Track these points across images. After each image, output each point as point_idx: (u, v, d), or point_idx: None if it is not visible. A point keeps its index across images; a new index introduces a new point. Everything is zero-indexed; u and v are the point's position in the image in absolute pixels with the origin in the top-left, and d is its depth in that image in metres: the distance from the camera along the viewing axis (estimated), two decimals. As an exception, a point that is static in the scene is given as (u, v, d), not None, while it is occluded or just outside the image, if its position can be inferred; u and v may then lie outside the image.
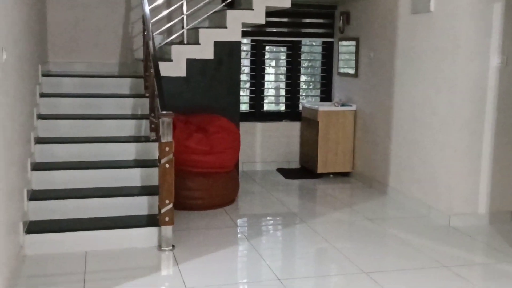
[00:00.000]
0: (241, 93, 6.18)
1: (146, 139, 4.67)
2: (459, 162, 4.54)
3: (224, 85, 5.42)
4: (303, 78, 7.00)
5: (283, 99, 6.96)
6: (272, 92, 6.99)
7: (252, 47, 6.70)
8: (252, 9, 5.38)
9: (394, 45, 5.31)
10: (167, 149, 3.86)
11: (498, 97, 4.51)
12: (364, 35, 5.98)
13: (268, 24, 6.00)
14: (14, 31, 3.43)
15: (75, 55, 6.06)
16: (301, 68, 6.93)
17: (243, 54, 6.32)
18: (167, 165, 3.86)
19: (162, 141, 3.86)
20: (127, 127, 4.80)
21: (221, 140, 4.96)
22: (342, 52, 6.56)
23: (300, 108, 6.81)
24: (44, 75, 5.03)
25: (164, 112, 3.93)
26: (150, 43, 4.60)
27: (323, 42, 6.84)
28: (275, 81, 6.98)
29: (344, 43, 6.48)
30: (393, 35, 5.31)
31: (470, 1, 4.34)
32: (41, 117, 4.62)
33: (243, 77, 6.55)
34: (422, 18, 4.82)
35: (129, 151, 4.57)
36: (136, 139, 4.69)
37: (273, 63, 7.00)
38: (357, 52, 6.14)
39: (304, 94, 7.03)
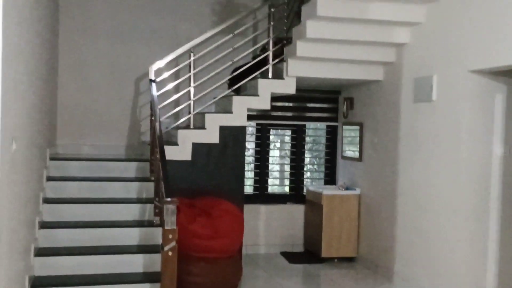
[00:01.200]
0: (246, 174, 6.21)
1: (150, 224, 4.66)
2: (465, 249, 4.48)
3: (229, 169, 5.46)
4: (307, 160, 7.06)
5: (287, 182, 6.99)
6: (276, 174, 7.02)
7: (257, 130, 6.81)
8: (258, 95, 5.53)
9: (398, 131, 5.39)
10: (170, 236, 3.83)
11: (502, 185, 4.51)
12: (368, 121, 6.09)
13: (273, 108, 6.14)
14: (25, 119, 3.52)
15: (84, 137, 6.18)
16: (305, 151, 7.01)
17: (247, 136, 6.42)
18: (170, 253, 3.82)
19: (166, 228, 3.84)
20: (132, 211, 4.80)
21: (225, 225, 4.93)
22: (346, 136, 6.65)
23: (304, 191, 6.82)
24: (52, 158, 5.10)
25: (169, 199, 3.93)
26: (157, 127, 4.69)
27: (327, 126, 6.96)
28: (280, 163, 7.03)
29: (348, 127, 6.59)
30: (396, 121, 5.40)
31: (472, 91, 4.44)
32: (47, 201, 4.64)
33: (248, 159, 6.61)
34: (424, 107, 4.93)
35: (132, 235, 4.55)
36: (140, 223, 4.68)
37: (277, 145, 7.09)
38: (361, 137, 6.23)
39: (308, 177, 7.06)
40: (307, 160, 7.06)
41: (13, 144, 3.02)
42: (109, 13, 6.33)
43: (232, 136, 5.47)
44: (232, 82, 5.78)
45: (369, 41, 5.23)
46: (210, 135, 5.40)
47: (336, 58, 5.43)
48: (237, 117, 5.49)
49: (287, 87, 5.62)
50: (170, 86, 5.53)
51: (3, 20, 2.73)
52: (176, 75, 5.77)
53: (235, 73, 5.70)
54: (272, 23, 5.59)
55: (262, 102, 5.56)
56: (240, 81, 5.65)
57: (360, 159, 6.26)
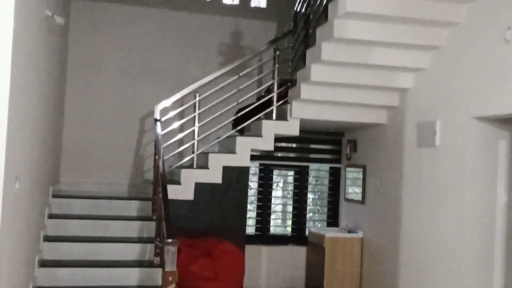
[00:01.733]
0: (248, 214, 6.18)
1: (150, 264, 4.61)
2: (470, 299, 4.40)
3: (231, 209, 5.44)
4: (310, 202, 7.03)
5: (289, 222, 6.94)
6: (278, 215, 6.99)
7: (260, 170, 6.81)
8: (261, 136, 5.55)
9: (401, 175, 5.38)
10: (170, 278, 3.80)
11: (507, 232, 4.46)
12: (371, 163, 6.09)
13: (277, 148, 6.15)
14: (29, 158, 3.54)
15: (87, 174, 6.20)
16: (308, 192, 6.99)
17: (250, 176, 6.42)
18: (169, 295, 3.78)
19: (166, 270, 3.81)
20: (132, 250, 4.77)
21: (225, 266, 4.89)
22: (349, 178, 6.64)
23: (307, 232, 6.76)
24: (54, 196, 5.10)
25: (170, 240, 3.91)
26: (160, 166, 4.71)
27: (331, 168, 6.96)
28: (282, 204, 7.01)
29: (351, 169, 6.58)
30: (400, 165, 5.40)
31: (475, 138, 4.44)
32: (48, 239, 4.62)
33: (250, 198, 6.59)
34: (428, 151, 4.93)
35: (132, 276, 4.51)
36: (140, 263, 4.64)
37: (280, 185, 7.08)
38: (364, 179, 6.22)
39: (311, 217, 7.01)
40: (309, 201, 7.03)
41: (16, 183, 3.03)
42: (118, 52, 6.45)
43: (235, 176, 5.47)
44: (236, 122, 5.82)
45: (372, 86, 5.28)
46: (213, 175, 5.41)
47: (340, 101, 5.47)
48: (241, 157, 5.50)
49: (291, 128, 5.65)
50: (175, 125, 5.57)
51: (12, 58, 2.78)
52: (181, 115, 5.82)
53: (239, 114, 5.75)
54: (277, 65, 5.67)
55: (266, 143, 5.58)
56: (244, 121, 5.69)
57: (363, 201, 6.23)
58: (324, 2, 4.89)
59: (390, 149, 5.64)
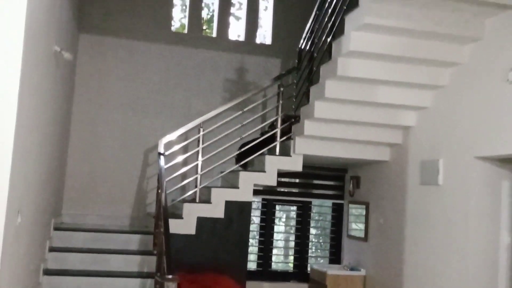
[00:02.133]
0: (249, 249, 6.13)
1: (150, 300, 4.56)
2: None
3: (233, 244, 5.40)
4: (312, 238, 6.98)
5: (291, 258, 6.88)
6: (281, 250, 6.93)
7: (263, 205, 6.79)
8: (265, 171, 5.56)
9: (404, 213, 5.35)
10: (170, 315, 3.74)
11: (510, 273, 4.41)
12: (374, 200, 6.07)
13: (280, 184, 6.14)
14: (32, 191, 3.55)
15: (90, 206, 6.20)
16: (310, 228, 6.94)
17: (253, 211, 6.39)
18: (168, 333, 3.72)
19: (166, 306, 3.76)
20: (133, 285, 4.72)
21: (226, 303, 4.82)
22: (352, 215, 6.61)
23: (309, 269, 6.69)
24: (56, 228, 5.09)
25: (170, 276, 3.88)
26: (163, 200, 4.70)
27: (333, 204, 6.93)
28: (284, 240, 6.96)
29: (354, 206, 6.55)
30: (403, 203, 5.38)
31: (478, 177, 4.44)
32: (47, 272, 4.58)
33: (252, 233, 6.55)
34: (431, 190, 4.92)
35: (131, 311, 4.45)
36: (140, 299, 4.59)
37: (283, 220, 7.05)
38: (366, 216, 6.18)
39: (313, 253, 6.95)
40: (312, 237, 6.98)
41: (18, 216, 3.03)
42: (124, 86, 6.54)
43: (237, 211, 5.45)
44: (239, 157, 5.84)
45: (376, 123, 5.31)
46: (216, 210, 5.39)
47: (344, 138, 5.49)
48: (243, 192, 5.49)
49: (294, 164, 5.65)
50: (179, 159, 5.59)
51: (19, 94, 2.82)
52: (185, 149, 5.84)
53: (242, 149, 5.77)
54: (281, 101, 5.72)
55: (269, 179, 5.58)
56: (248, 156, 5.70)
57: (365, 239, 6.18)
58: (328, 40, 4.98)
59: (393, 187, 5.63)
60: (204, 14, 7.96)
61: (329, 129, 5.38)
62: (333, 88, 4.92)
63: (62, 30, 4.47)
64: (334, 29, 4.89)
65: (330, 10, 5.03)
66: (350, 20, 4.54)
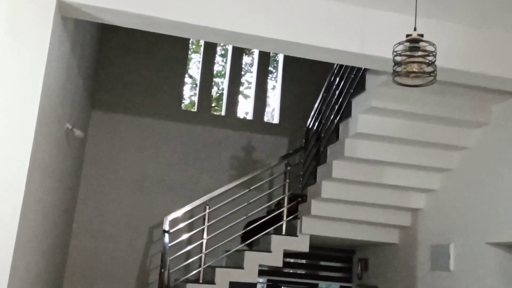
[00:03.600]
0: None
1: None
2: None
3: (236, 330, 5.19)
4: (319, 323, 6.73)
5: None
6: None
7: (268, 287, 6.60)
8: (270, 251, 5.44)
9: (414, 299, 5.17)
10: None
11: None
12: (383, 284, 5.87)
13: (285, 264, 5.98)
14: (33, 273, 3.47)
15: (90, 285, 6.03)
16: (317, 312, 6.71)
17: (258, 294, 6.21)
18: None
19: None
20: None
21: None
22: (360, 299, 6.39)
23: None
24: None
25: None
26: (165, 280, 4.59)
27: (341, 287, 6.72)
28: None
29: (362, 289, 6.35)
30: (413, 287, 5.21)
31: (490, 263, 4.29)
32: None
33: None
34: (442, 276, 4.77)
35: None
36: None
37: (288, 304, 6.82)
38: (375, 301, 5.97)
39: None
40: (318, 323, 6.73)
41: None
42: (133, 163, 6.55)
43: (242, 294, 5.29)
44: (245, 236, 5.74)
45: (384, 204, 5.25)
46: (219, 292, 5.23)
47: (351, 219, 5.40)
48: (248, 273, 5.34)
49: (301, 244, 5.54)
50: (183, 237, 5.49)
51: (28, 171, 2.82)
52: (190, 226, 5.76)
53: (248, 228, 5.68)
54: (288, 180, 5.70)
55: (275, 259, 5.44)
56: (254, 235, 5.60)
57: (375, 327, 5.93)
58: (335, 121, 5.03)
59: (403, 270, 5.47)
60: (214, 92, 8.12)
61: (337, 209, 5.32)
62: (341, 168, 4.91)
63: (75, 108, 4.56)
64: (341, 111, 4.96)
65: (337, 93, 5.12)
66: (357, 103, 4.61)
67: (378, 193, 5.15)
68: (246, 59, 8.13)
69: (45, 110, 3.10)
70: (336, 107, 5.06)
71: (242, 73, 7.70)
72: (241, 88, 7.70)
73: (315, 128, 5.72)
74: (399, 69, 2.59)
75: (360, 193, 5.14)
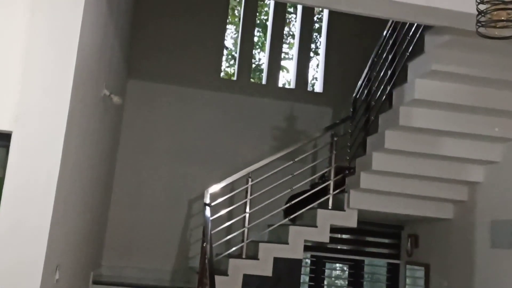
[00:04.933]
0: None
1: None
2: None
3: (281, 306, 4.98)
4: (365, 300, 6.46)
5: (342, 323, 6.37)
6: (330, 312, 6.44)
7: (312, 263, 6.35)
8: (316, 226, 5.18)
9: (473, 277, 4.82)
10: None
11: None
12: (436, 262, 5.55)
13: (330, 240, 5.71)
14: (72, 244, 3.29)
15: (130, 259, 5.91)
16: (363, 289, 6.44)
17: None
18: None
19: None
20: None
21: None
22: (410, 277, 6.08)
23: (361, 334, 6.16)
24: (94, 282, 4.80)
25: None
26: (208, 253, 4.39)
27: (388, 263, 6.42)
28: (334, 301, 6.47)
29: (412, 267, 6.04)
30: (471, 266, 4.86)
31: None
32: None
33: (300, 294, 6.09)
34: (504, 254, 4.42)
35: None
36: None
37: (333, 280, 6.57)
38: (427, 279, 5.65)
39: (365, 318, 6.42)
40: (364, 299, 6.46)
41: (56, 273, 2.76)
42: (171, 133, 6.34)
43: (286, 270, 5.04)
44: (287, 210, 5.48)
45: (439, 177, 4.89)
46: (263, 267, 4.99)
47: (403, 193, 5.08)
48: (293, 248, 5.10)
49: (348, 219, 5.27)
50: (224, 211, 5.27)
51: (65, 139, 2.62)
52: (230, 200, 5.53)
53: (292, 202, 5.41)
54: (334, 151, 5.39)
55: (321, 235, 5.19)
56: (297, 210, 5.34)
57: (425, 304, 5.63)
58: (388, 88, 4.68)
59: (458, 248, 5.13)
60: (254, 61, 7.76)
61: (388, 182, 4.99)
62: (394, 138, 4.57)
63: (112, 74, 4.34)
64: (395, 76, 4.60)
65: (390, 57, 4.75)
66: (414, 66, 4.24)
67: (433, 165, 4.80)
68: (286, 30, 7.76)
69: (81, 72, 2.87)
70: (389, 72, 4.69)
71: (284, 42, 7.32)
72: (282, 56, 7.32)
73: (364, 96, 5.37)
74: (483, 19, 2.23)
75: (414, 165, 4.79)
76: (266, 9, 8.53)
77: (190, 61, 6.50)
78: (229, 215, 5.45)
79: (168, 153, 6.30)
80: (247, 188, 5.19)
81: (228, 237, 5.25)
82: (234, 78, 6.89)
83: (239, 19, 7.01)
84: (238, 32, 7.31)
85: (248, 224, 5.14)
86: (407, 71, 4.33)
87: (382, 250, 6.43)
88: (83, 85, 2.95)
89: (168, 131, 6.35)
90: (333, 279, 6.62)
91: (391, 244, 6.42)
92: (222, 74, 6.96)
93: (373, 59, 5.22)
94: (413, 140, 4.56)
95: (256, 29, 8.11)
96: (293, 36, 8.39)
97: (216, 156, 6.36)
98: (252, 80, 7.25)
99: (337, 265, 6.57)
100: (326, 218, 5.21)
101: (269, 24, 7.01)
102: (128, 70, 6.06)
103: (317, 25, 7.54)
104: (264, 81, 6.89)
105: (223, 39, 6.85)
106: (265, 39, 7.27)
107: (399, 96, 4.44)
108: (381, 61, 4.98)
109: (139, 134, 6.26)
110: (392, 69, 4.66)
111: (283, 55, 7.33)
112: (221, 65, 6.84)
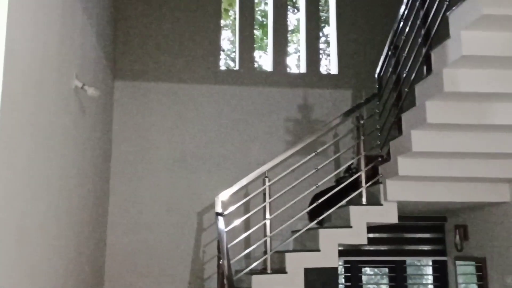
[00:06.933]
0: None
1: None
2: None
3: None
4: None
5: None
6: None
7: (346, 269, 5.52)
8: (350, 227, 4.38)
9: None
10: None
11: None
12: (492, 255, 4.74)
13: (364, 241, 4.90)
14: (70, 271, 2.50)
15: (136, 284, 5.09)
16: (407, 294, 5.60)
17: (334, 278, 5.13)
18: None
19: None
20: None
21: None
22: (461, 275, 5.25)
23: None
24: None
25: None
26: (226, 271, 3.62)
27: (434, 261, 5.59)
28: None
29: (464, 263, 5.22)
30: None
31: None
32: None
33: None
34: None
35: None
36: None
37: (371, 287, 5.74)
38: (483, 276, 4.83)
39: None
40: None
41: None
42: (169, 137, 5.57)
43: (321, 281, 4.25)
44: (311, 212, 4.67)
45: (492, 153, 4.07)
46: (293, 281, 4.21)
47: (449, 176, 4.27)
48: (326, 255, 4.31)
49: (387, 215, 4.47)
50: (240, 220, 4.46)
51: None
52: (245, 206, 4.72)
53: (319, 201, 4.58)
54: (362, 137, 4.59)
55: (357, 236, 4.39)
56: (324, 210, 4.53)
57: (486, 305, 4.80)
58: (424, 51, 3.87)
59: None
60: (255, 45, 6.88)
61: (432, 166, 4.18)
62: (437, 109, 3.75)
63: (87, 65, 3.55)
64: (431, 35, 3.79)
65: (421, 14, 3.95)
66: (458, 16, 3.42)
67: (485, 139, 3.99)
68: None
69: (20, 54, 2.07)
70: (423, 32, 3.89)
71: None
72: (289, 38, 6.51)
73: (391, 68, 4.56)
74: None
75: (463, 141, 3.98)
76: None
77: (184, 54, 5.74)
78: (246, 224, 4.65)
79: (168, 161, 5.54)
80: (264, 190, 4.38)
81: (248, 250, 4.42)
82: (235, 66, 6.08)
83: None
84: (235, 13, 6.51)
85: (270, 232, 4.32)
86: (449, 25, 3.52)
87: (425, 247, 5.62)
88: (28, 69, 2.16)
89: (166, 135, 5.57)
90: (373, 285, 5.77)
91: (434, 239, 5.61)
92: (221, 66, 6.13)
93: (399, 21, 4.42)
94: (462, 110, 3.75)
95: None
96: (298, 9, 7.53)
97: (223, 158, 5.58)
98: (255, 65, 6.43)
99: (375, 269, 5.73)
100: (362, 216, 4.44)
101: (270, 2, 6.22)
102: (112, 69, 5.27)
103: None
104: (270, 68, 6.06)
105: (219, 23, 6.03)
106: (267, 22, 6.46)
107: (441, 57, 3.62)
108: (411, 20, 4.17)
109: (132, 142, 5.48)
110: (426, 27, 3.85)
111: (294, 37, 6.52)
112: (219, 53, 6.02)
